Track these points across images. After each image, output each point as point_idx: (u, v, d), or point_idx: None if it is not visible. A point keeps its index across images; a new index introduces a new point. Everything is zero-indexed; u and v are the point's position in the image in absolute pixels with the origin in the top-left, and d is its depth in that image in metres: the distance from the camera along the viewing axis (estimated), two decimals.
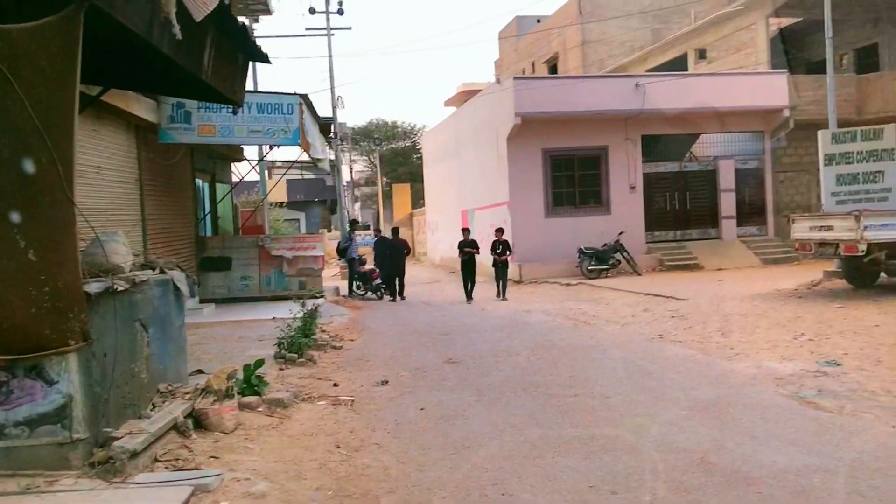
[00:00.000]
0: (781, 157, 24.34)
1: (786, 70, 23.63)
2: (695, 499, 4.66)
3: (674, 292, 16.17)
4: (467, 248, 18.60)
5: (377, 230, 24.89)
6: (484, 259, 18.95)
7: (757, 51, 25.40)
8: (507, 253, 18.37)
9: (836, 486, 4.80)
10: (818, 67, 23.19)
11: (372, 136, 52.92)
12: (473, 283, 18.32)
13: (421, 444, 6.05)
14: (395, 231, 21.68)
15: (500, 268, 18.22)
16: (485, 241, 19.72)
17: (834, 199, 15.85)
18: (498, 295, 18.06)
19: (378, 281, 19.66)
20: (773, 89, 23.06)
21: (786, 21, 26.09)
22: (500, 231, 18.71)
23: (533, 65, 39.27)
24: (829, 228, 14.00)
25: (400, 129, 53.89)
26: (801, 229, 14.85)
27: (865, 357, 8.60)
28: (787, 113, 23.12)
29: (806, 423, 6.25)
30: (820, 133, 16.56)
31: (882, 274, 14.48)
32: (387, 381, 8.54)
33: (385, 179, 49.82)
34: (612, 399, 7.29)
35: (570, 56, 35.61)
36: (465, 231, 19.46)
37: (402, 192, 45.11)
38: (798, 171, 24.57)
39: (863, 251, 13.26)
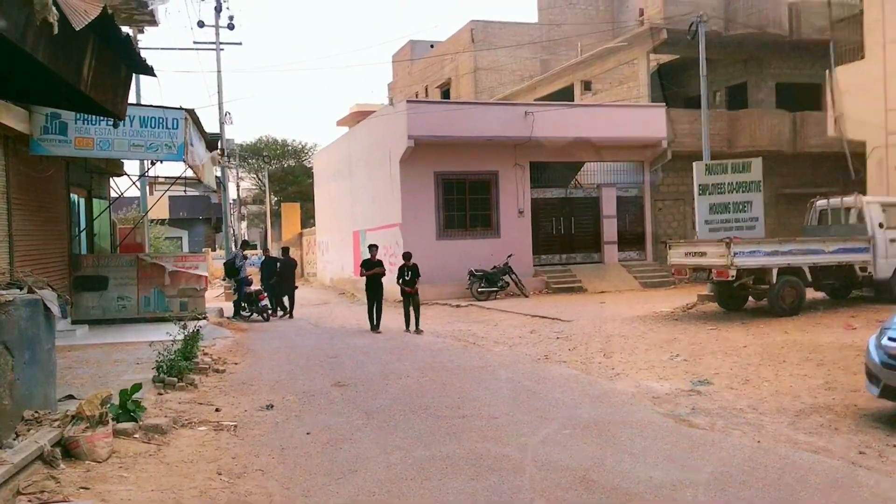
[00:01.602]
0: (660, 186, 25.63)
1: (664, 104, 24.96)
2: None
3: (559, 314, 16.63)
4: (374, 269, 16.00)
5: (265, 250, 24.33)
6: (386, 283, 17.62)
7: (638, 85, 26.72)
8: (417, 279, 15.72)
9: (708, 499, 5.05)
10: (694, 103, 24.64)
11: (261, 154, 51.91)
12: (380, 309, 15.95)
13: (307, 469, 5.93)
14: (286, 251, 21.33)
15: (412, 297, 15.56)
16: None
17: (707, 227, 16.83)
18: (408, 327, 15.47)
19: (264, 302, 19.22)
20: (652, 122, 24.30)
21: (665, 58, 27.62)
22: (407, 256, 15.93)
23: (426, 89, 39.74)
24: (703, 255, 14.82)
25: (290, 148, 53.14)
26: (678, 255, 15.65)
27: (735, 376, 9.12)
28: (664, 144, 24.41)
29: (680, 439, 6.55)
30: (695, 164, 17.57)
31: (750, 298, 15.45)
32: (272, 406, 8.33)
33: (274, 198, 48.92)
34: (499, 419, 7.40)
35: (462, 82, 36.29)
36: (373, 248, 16.45)
37: (291, 212, 44.43)
38: (675, 199, 25.94)
39: (733, 276, 14.12)
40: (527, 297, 21.80)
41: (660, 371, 9.75)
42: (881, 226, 14.81)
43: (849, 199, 15.75)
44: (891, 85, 17.65)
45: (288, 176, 51.32)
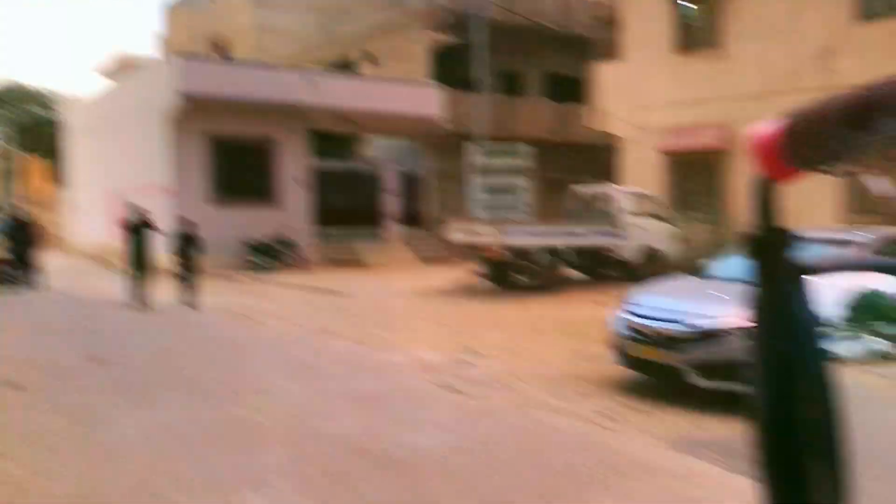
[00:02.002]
0: (439, 165, 26.46)
1: (443, 85, 25.70)
2: (347, 484, 4.85)
3: (338, 288, 16.66)
4: (140, 233, 14.14)
5: (10, 211, 21.75)
6: (154, 251, 15.95)
7: (419, 63, 27.26)
8: (194, 249, 14.17)
9: (473, 463, 5.36)
10: (471, 86, 25.64)
11: (1, 101, 46.02)
12: (147, 279, 13.91)
13: (60, 453, 5.43)
14: (25, 214, 19.24)
15: (186, 267, 14.06)
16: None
17: (481, 207, 17.70)
18: (179, 300, 13.95)
19: (10, 269, 17.22)
20: (431, 101, 24.92)
21: (445, 39, 28.41)
22: (185, 221, 14.50)
23: (202, 44, 37.55)
24: (477, 233, 15.58)
25: (39, 96, 47.55)
26: (454, 233, 16.31)
27: (502, 348, 9.72)
28: (442, 124, 25.19)
29: (449, 408, 6.87)
30: (470, 147, 18.35)
31: (518, 275, 16.52)
32: (16, 384, 7.50)
33: (16, 152, 43.71)
34: (272, 393, 7.28)
35: (241, 41, 34.74)
36: (137, 211, 14.48)
37: (37, 168, 39.95)
38: (452, 178, 26.95)
39: (503, 255, 15.00)
40: (306, 270, 21.56)
41: (434, 343, 10.12)
42: (629, 213, 16.50)
43: (604, 188, 17.37)
44: (641, 84, 19.60)
45: (36, 127, 46.02)
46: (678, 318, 6.99)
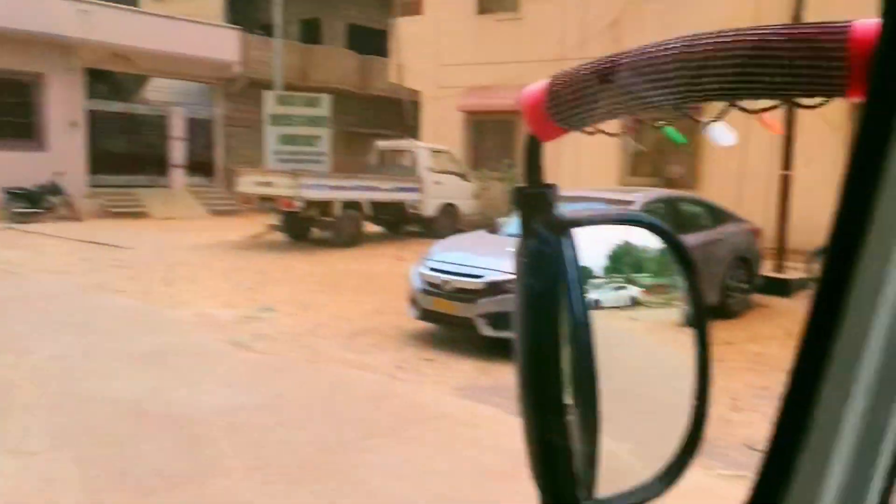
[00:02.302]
0: (233, 111, 25.17)
1: (240, 27, 24.36)
2: (119, 447, 4.48)
3: (118, 241, 15.39)
4: None
5: None
6: None
7: (212, 2, 25.61)
8: None
9: (263, 419, 5.16)
10: (270, 31, 24.55)
11: None
12: None
13: None
14: None
15: None
16: None
17: (276, 158, 17.06)
18: None
19: None
20: (225, 44, 23.53)
21: None
22: None
23: None
24: (271, 185, 15.00)
25: None
26: (247, 184, 15.60)
27: (296, 303, 9.47)
28: (238, 69, 23.90)
29: (240, 365, 6.57)
30: (265, 94, 17.57)
31: (315, 229, 16.20)
32: None
33: None
34: (35, 352, 6.55)
35: None
36: None
37: None
38: (247, 127, 25.76)
39: (299, 207, 14.59)
40: (79, 220, 19.68)
41: (224, 299, 9.65)
42: (430, 169, 16.69)
43: (405, 143, 17.41)
44: (443, 41, 19.78)
45: None
46: (470, 271, 7.19)
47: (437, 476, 4.42)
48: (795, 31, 0.57)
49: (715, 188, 13.20)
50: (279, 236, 16.22)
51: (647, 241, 0.76)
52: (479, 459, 4.64)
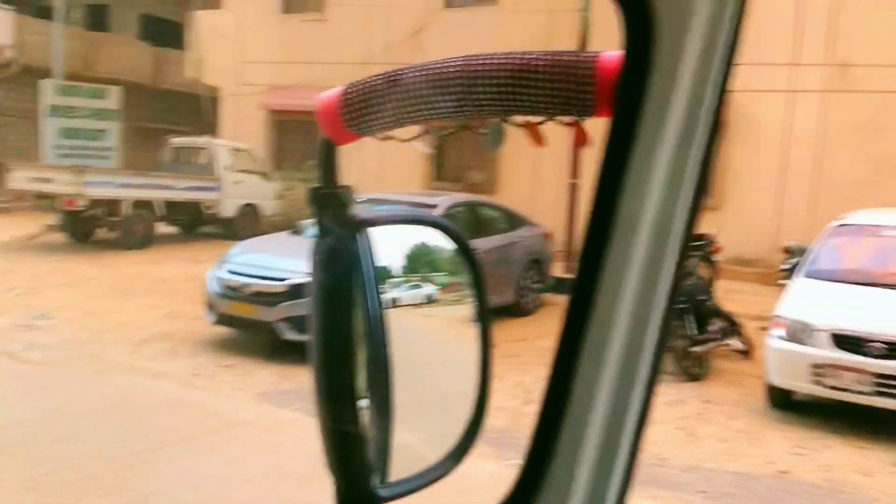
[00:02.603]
0: (4, 100, 22.70)
1: (12, 7, 22.03)
2: None
3: None
4: None
5: None
6: None
7: None
8: None
9: (42, 435, 4.70)
10: (48, 14, 22.44)
11: None
12: None
13: None
14: None
15: None
16: None
17: (56, 152, 15.62)
18: None
19: None
20: None
21: None
22: None
23: None
24: (50, 181, 13.70)
25: None
26: (20, 179, 14.13)
27: (79, 308, 8.72)
28: (9, 53, 21.59)
29: (13, 378, 5.95)
30: (43, 83, 16.06)
31: (100, 229, 14.99)
32: None
33: None
34: None
35: None
36: None
37: None
38: (22, 117, 23.31)
39: (83, 206, 13.45)
40: None
41: None
42: (229, 168, 16.05)
43: (202, 141, 16.61)
44: (245, 37, 19.16)
45: None
46: (272, 274, 7.02)
47: (236, 484, 4.27)
48: (555, 57, 0.64)
49: (512, 194, 13.88)
50: (59, 237, 14.85)
51: (441, 241, 0.80)
52: (280, 464, 4.54)
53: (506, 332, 8.12)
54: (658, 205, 0.61)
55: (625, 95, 0.60)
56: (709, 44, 0.59)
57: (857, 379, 5.54)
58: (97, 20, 26.48)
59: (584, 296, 0.62)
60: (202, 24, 20.43)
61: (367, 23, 17.10)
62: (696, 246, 9.03)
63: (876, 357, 5.49)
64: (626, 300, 0.62)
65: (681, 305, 6.92)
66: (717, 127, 0.61)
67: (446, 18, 16.03)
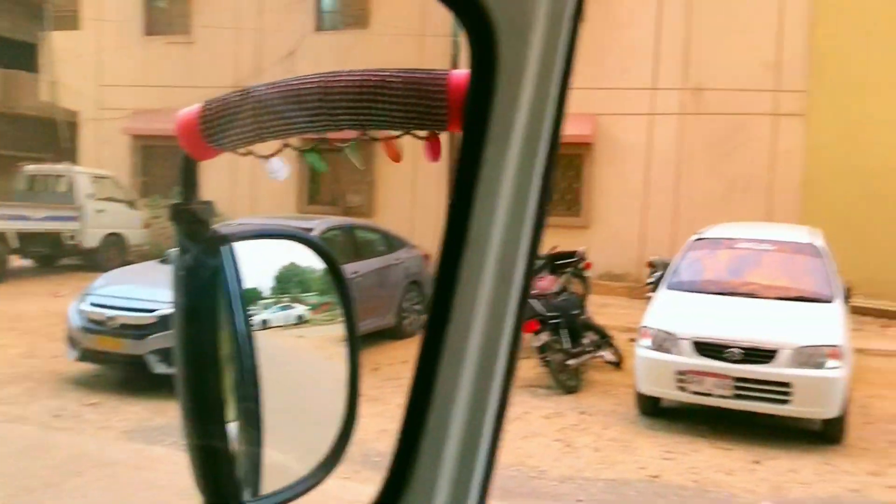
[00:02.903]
0: None
1: None
2: None
3: None
4: None
5: None
6: None
7: None
8: None
9: None
10: None
11: None
12: None
13: None
14: None
15: None
16: None
17: None
18: None
19: None
20: None
21: None
22: None
23: None
24: None
25: None
26: None
27: None
28: None
29: None
30: None
31: None
32: None
33: None
34: None
35: None
36: None
37: None
38: None
39: None
40: None
41: None
42: (90, 196, 15.19)
43: (60, 168, 15.65)
44: (105, 59, 18.29)
45: None
46: (138, 305, 6.70)
47: None
48: (408, 74, 0.67)
49: (391, 216, 13.93)
50: None
51: (312, 261, 0.79)
52: (153, 502, 4.31)
53: (387, 355, 8.10)
54: (506, 218, 0.63)
55: (472, 112, 0.63)
56: (545, 67, 0.63)
57: (718, 383, 5.89)
58: None
59: (441, 307, 0.64)
60: (58, 45, 19.39)
61: (237, 46, 16.78)
62: (568, 263, 9.40)
63: (734, 362, 5.87)
64: (481, 310, 0.64)
65: (555, 321, 7.14)
66: (557, 143, 0.64)
67: (317, 42, 15.97)
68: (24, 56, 25.07)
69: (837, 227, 10.38)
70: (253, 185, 14.64)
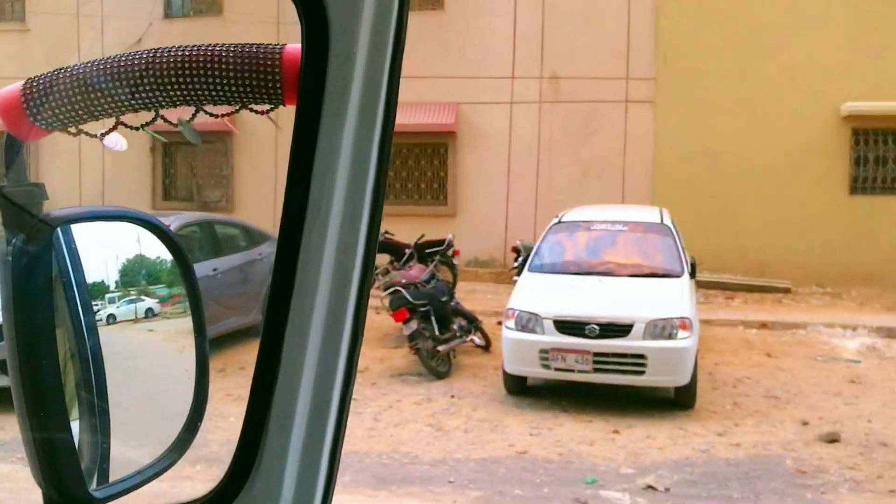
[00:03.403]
0: None
1: None
2: None
3: None
4: None
5: None
6: None
7: None
8: None
9: None
10: None
11: None
12: None
13: None
14: None
15: None
16: None
17: None
18: None
19: None
20: None
21: None
22: None
23: None
24: None
25: None
26: None
27: None
28: None
29: None
30: None
31: None
32: None
33: None
34: None
35: None
36: None
37: None
38: None
39: None
40: None
41: None
42: None
43: None
44: (43, 56, 16.74)
45: None
46: None
47: None
48: (242, 49, 0.66)
49: (251, 210, 13.51)
50: None
51: (158, 249, 0.76)
52: None
53: (253, 354, 7.83)
54: (344, 192, 0.63)
55: (306, 87, 0.62)
56: (376, 48, 0.62)
57: (579, 359, 6.13)
58: None
59: (282, 287, 0.63)
60: None
61: (78, 34, 15.73)
62: (436, 251, 9.49)
63: (593, 338, 6.12)
64: (322, 289, 0.63)
65: (423, 308, 7.19)
66: (391, 120, 0.65)
67: (166, 29, 15.25)
68: None
69: (685, 207, 11.08)
70: (100, 180, 13.81)
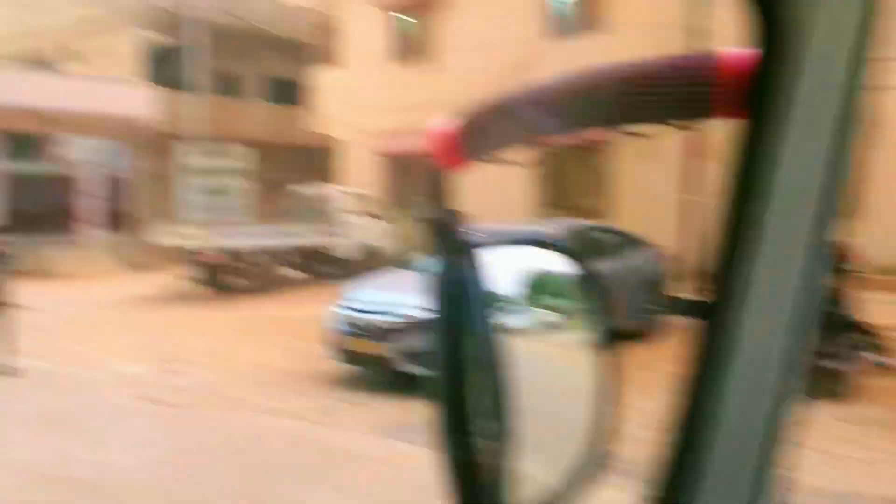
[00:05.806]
0: (150, 166, 24.58)
1: (158, 85, 23.98)
2: None
3: (25, 301, 14.73)
4: None
5: None
6: None
7: (130, 62, 25.20)
8: None
9: (176, 474, 5.00)
10: (188, 86, 24.23)
11: None
12: None
13: None
14: None
15: None
16: None
17: (193, 209, 16.78)
18: None
19: None
20: (140, 101, 23.12)
21: (160, 39, 26.59)
22: None
23: None
24: (188, 237, 14.72)
25: None
26: (163, 236, 15.26)
27: (213, 353, 9.25)
28: (151, 124, 23.45)
29: (152, 421, 6.36)
30: (179, 146, 17.34)
31: (233, 278, 15.89)
32: None
33: None
34: None
35: None
36: None
37: None
38: (161, 179, 25.18)
39: (216, 257, 14.34)
40: None
41: (136, 354, 9.34)
42: (346, 211, 16.70)
43: (322, 188, 17.42)
44: (361, 90, 20.02)
45: None
46: (388, 309, 7.18)
47: None
48: (671, 61, 0.61)
49: (625, 215, 13.59)
50: (197, 288, 15.85)
51: (562, 266, 0.78)
52: (406, 499, 4.59)
53: (631, 359, 7.89)
54: (806, 212, 0.56)
55: (764, 96, 0.55)
56: (851, 32, 0.53)
57: None
58: (228, 87, 28.28)
59: (726, 314, 0.58)
60: (321, 80, 21.55)
61: (472, 62, 17.40)
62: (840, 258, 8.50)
63: None
64: (776, 318, 0.57)
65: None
66: (861, 126, 0.56)
67: (549, 50, 16.07)
68: (292, 93, 28.17)
69: None
70: (483, 190, 15.10)
